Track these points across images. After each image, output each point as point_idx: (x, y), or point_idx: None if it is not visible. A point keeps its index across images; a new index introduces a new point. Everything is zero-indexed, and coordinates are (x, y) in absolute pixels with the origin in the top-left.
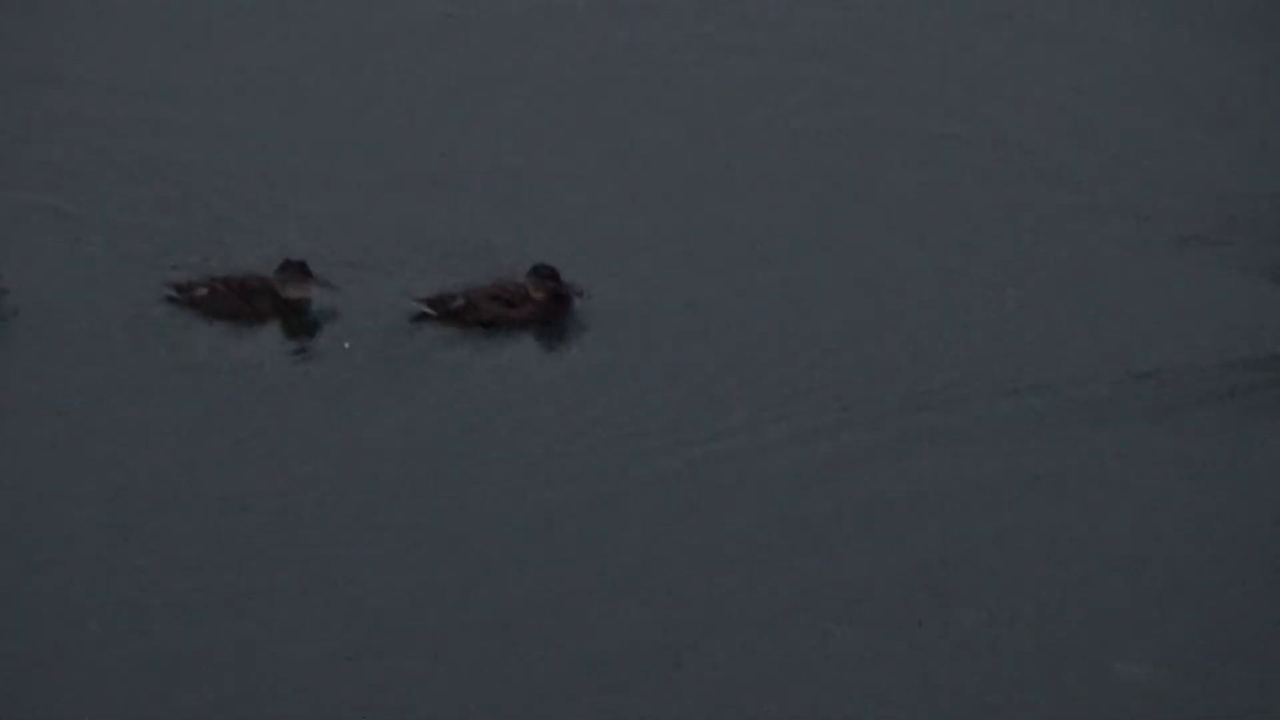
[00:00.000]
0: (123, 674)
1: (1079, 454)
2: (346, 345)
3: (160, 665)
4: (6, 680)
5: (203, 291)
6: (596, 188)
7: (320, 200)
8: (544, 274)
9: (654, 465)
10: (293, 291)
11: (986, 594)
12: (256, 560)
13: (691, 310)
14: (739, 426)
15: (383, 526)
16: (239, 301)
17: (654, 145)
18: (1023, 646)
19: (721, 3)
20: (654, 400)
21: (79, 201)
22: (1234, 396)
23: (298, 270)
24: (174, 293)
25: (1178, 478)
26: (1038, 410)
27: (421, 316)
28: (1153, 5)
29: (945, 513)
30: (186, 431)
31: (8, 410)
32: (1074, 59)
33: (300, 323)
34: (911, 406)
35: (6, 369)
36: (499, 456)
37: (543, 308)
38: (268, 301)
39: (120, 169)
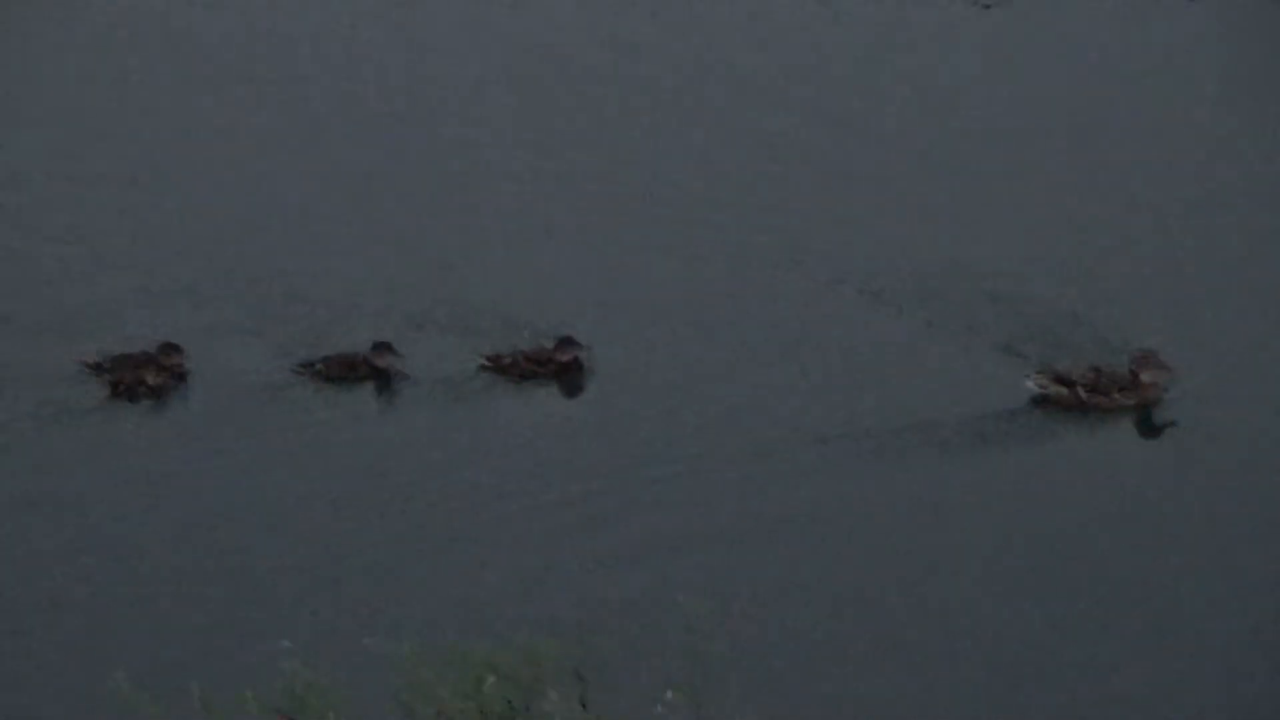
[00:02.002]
0: None
1: (853, 488)
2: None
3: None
4: None
5: (319, 366)
6: (604, 264)
7: (383, 288)
8: (567, 343)
9: (626, 474)
10: (382, 362)
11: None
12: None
13: (668, 367)
14: (660, 453)
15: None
16: (350, 371)
17: (654, 222)
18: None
19: (752, 73)
20: (630, 431)
21: (218, 304)
22: (966, 440)
23: (385, 348)
24: (303, 369)
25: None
26: (832, 454)
27: (483, 368)
28: (928, 100)
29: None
30: (314, 450)
31: (188, 447)
32: (844, 156)
33: (386, 382)
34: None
35: (187, 422)
36: (523, 465)
37: (563, 366)
38: (366, 370)
39: (240, 279)
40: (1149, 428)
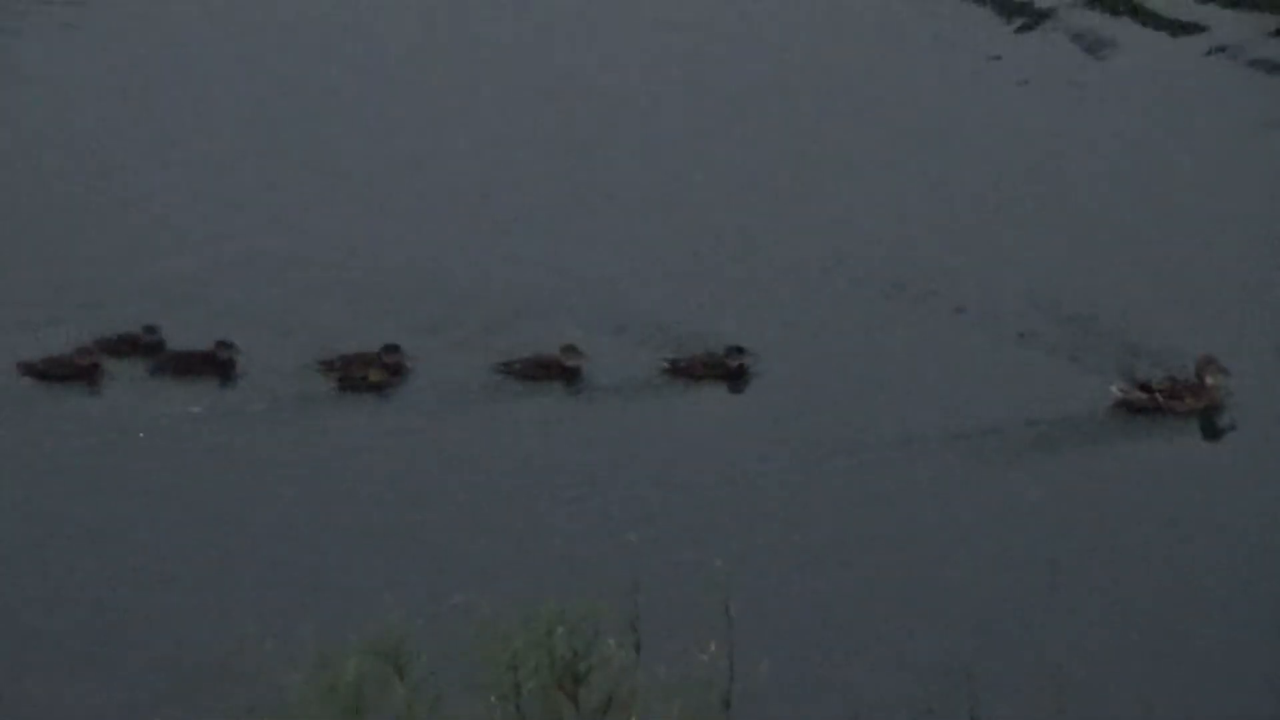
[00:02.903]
0: None
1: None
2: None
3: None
4: None
5: (518, 366)
6: (763, 282)
7: (575, 296)
8: (735, 350)
9: (777, 465)
10: (571, 362)
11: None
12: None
13: (819, 366)
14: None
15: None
16: (543, 370)
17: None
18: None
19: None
20: (783, 423)
21: (432, 311)
22: (1029, 443)
23: (576, 349)
24: (503, 367)
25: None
26: (935, 454)
27: (665, 370)
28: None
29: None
30: (510, 437)
31: (403, 432)
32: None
33: (575, 380)
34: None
35: (403, 411)
36: (696, 447)
37: (732, 370)
38: (557, 370)
39: (451, 291)
40: (1213, 430)
